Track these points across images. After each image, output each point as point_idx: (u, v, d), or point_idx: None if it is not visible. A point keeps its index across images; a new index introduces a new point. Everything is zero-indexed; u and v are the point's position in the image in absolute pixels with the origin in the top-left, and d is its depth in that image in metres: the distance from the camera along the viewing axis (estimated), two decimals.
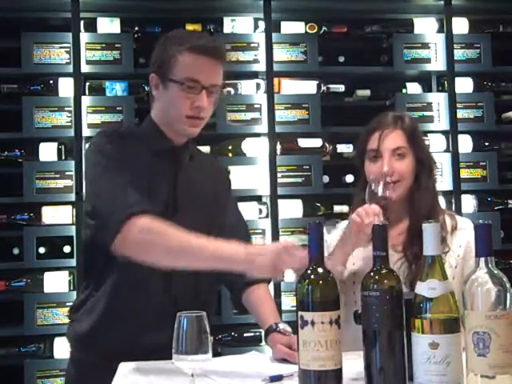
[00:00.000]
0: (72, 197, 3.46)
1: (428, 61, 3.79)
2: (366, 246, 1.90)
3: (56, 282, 3.44)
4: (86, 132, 3.48)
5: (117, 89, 3.62)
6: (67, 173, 3.48)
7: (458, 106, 3.75)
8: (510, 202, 3.80)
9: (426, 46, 3.79)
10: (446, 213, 2.06)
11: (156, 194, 1.83)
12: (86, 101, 3.53)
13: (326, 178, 3.69)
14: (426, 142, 3.70)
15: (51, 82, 3.57)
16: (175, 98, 1.82)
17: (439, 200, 2.09)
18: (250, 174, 3.56)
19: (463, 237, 1.99)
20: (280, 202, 3.58)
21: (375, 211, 1.88)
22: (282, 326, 1.81)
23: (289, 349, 1.70)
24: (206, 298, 1.88)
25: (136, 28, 3.67)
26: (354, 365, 1.44)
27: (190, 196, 1.89)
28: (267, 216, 3.59)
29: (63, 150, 3.54)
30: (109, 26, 3.67)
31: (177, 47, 1.81)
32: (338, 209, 3.63)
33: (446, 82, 3.78)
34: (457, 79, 3.77)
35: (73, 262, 3.44)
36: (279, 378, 1.55)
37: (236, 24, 3.74)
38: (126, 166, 1.80)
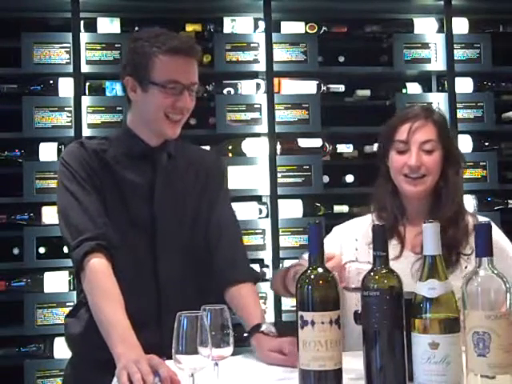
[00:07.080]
0: None
1: (428, 61, 3.79)
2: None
3: (56, 281, 3.44)
4: (86, 132, 3.48)
5: (117, 89, 3.61)
6: None
7: (458, 106, 3.75)
8: (510, 201, 3.80)
9: (426, 45, 3.79)
10: (468, 213, 2.00)
11: (132, 203, 1.86)
12: (86, 101, 3.53)
13: (326, 178, 3.69)
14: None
15: (51, 81, 3.57)
16: (156, 99, 1.83)
17: (464, 199, 2.00)
18: (250, 173, 3.56)
19: None
20: (280, 201, 3.58)
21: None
22: (265, 326, 1.77)
23: (280, 352, 1.67)
24: (195, 297, 1.83)
25: (136, 28, 3.65)
26: (353, 365, 1.44)
27: (169, 197, 1.89)
28: (267, 216, 3.59)
29: (63, 150, 3.52)
30: (109, 25, 3.67)
31: (151, 49, 1.81)
32: (337, 209, 3.63)
33: (446, 82, 3.78)
34: (457, 79, 3.77)
35: None
36: None
37: (236, 24, 3.74)
38: (82, 187, 1.84)
